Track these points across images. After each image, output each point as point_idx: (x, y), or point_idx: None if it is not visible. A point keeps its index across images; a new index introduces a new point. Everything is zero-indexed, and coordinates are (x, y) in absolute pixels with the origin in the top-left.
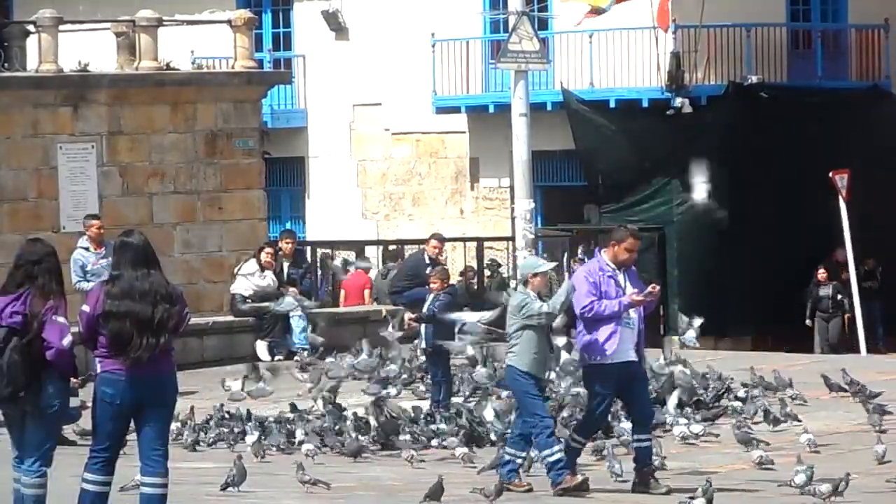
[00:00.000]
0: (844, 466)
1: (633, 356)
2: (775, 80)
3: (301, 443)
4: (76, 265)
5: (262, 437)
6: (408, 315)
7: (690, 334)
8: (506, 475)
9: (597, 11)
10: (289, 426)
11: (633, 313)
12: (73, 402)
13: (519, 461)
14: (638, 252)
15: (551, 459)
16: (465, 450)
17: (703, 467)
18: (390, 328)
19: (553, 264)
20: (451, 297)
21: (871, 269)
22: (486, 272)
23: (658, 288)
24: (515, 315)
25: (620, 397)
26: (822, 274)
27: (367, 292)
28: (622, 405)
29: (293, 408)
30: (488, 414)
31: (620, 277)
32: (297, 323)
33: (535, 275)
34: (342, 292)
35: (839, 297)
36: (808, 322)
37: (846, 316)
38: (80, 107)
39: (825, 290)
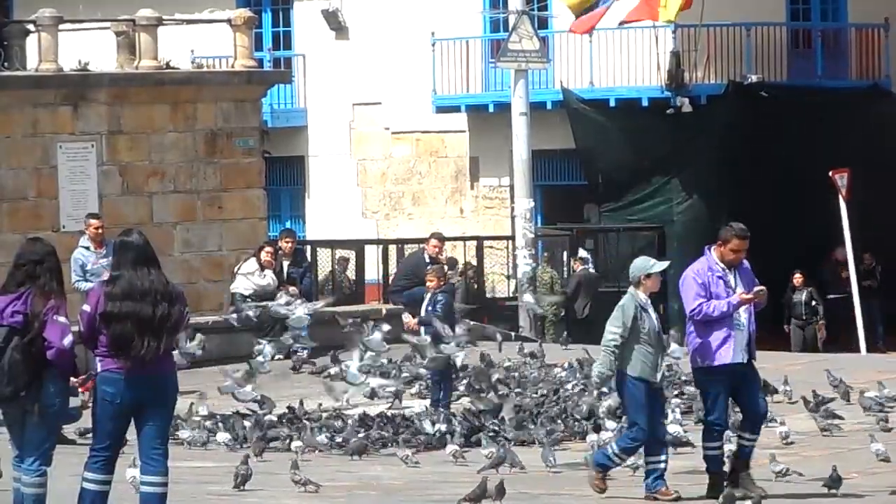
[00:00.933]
0: (845, 466)
1: (743, 357)
2: (775, 79)
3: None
4: (76, 264)
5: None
6: (408, 317)
7: (675, 348)
8: (651, 484)
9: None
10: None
11: (742, 314)
12: (74, 401)
13: (662, 466)
14: (638, 252)
15: (619, 462)
16: (456, 447)
17: (703, 467)
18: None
19: (666, 263)
20: (450, 297)
21: (870, 267)
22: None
23: (764, 288)
24: (622, 317)
25: (733, 398)
26: (797, 279)
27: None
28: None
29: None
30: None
31: (731, 277)
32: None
33: (648, 276)
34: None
35: (813, 303)
36: (785, 327)
37: (821, 322)
38: (79, 106)
39: (799, 296)
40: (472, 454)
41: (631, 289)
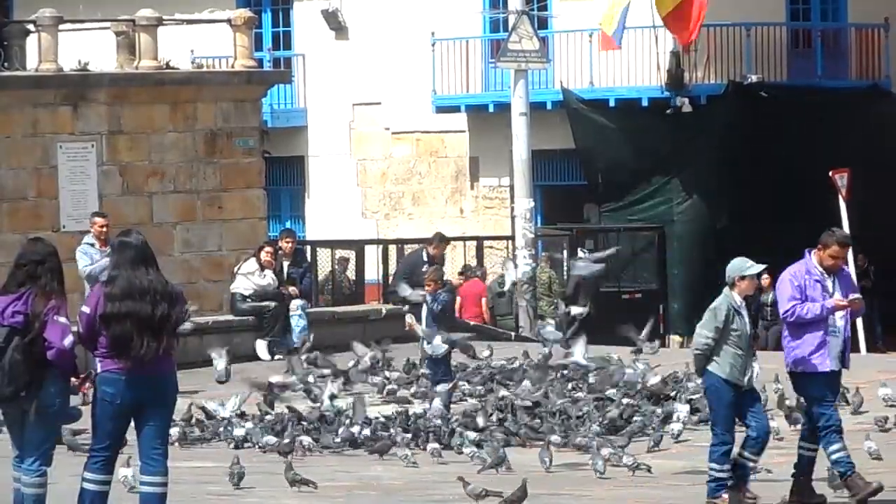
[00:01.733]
0: None
1: (837, 366)
2: (775, 79)
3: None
4: (82, 254)
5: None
6: (410, 318)
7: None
8: (735, 479)
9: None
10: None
11: (839, 320)
12: (73, 399)
13: (751, 465)
14: (638, 252)
15: (716, 475)
16: (437, 445)
17: (703, 467)
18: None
19: (761, 266)
20: (452, 296)
21: (863, 268)
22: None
23: (860, 296)
24: (714, 320)
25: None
26: (765, 280)
27: (483, 300)
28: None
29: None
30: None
31: (829, 282)
32: (297, 322)
33: (743, 278)
34: (458, 299)
35: None
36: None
37: None
38: (79, 106)
39: (766, 298)
40: (449, 454)
41: (726, 290)
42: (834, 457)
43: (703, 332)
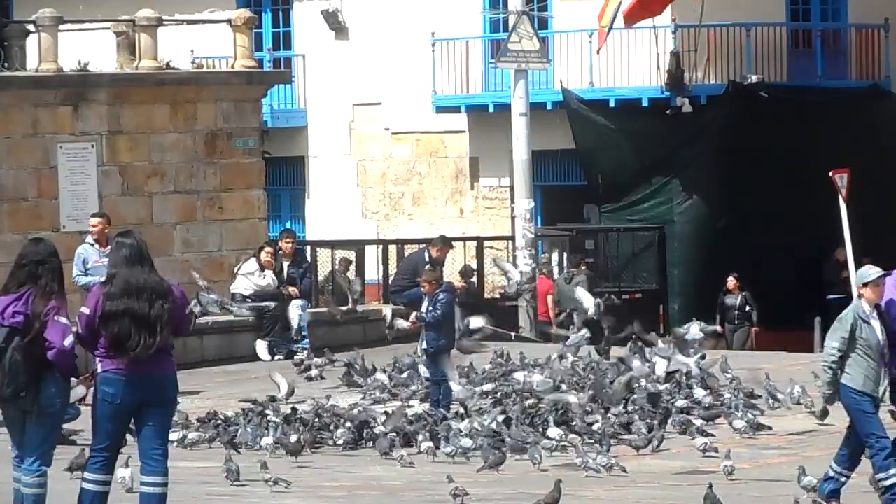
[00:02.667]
0: None
1: None
2: (775, 79)
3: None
4: (78, 259)
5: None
6: (412, 316)
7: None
8: (827, 494)
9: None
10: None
11: None
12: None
13: (843, 480)
14: (638, 252)
15: (886, 483)
16: (430, 444)
17: (703, 467)
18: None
19: (881, 272)
20: (451, 296)
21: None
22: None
23: None
24: (840, 329)
25: None
26: (731, 283)
27: (549, 298)
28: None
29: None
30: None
31: None
32: (297, 322)
33: (865, 285)
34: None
35: (747, 308)
36: (718, 329)
37: (753, 329)
38: (80, 106)
39: (732, 300)
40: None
41: (855, 299)
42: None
43: (830, 343)
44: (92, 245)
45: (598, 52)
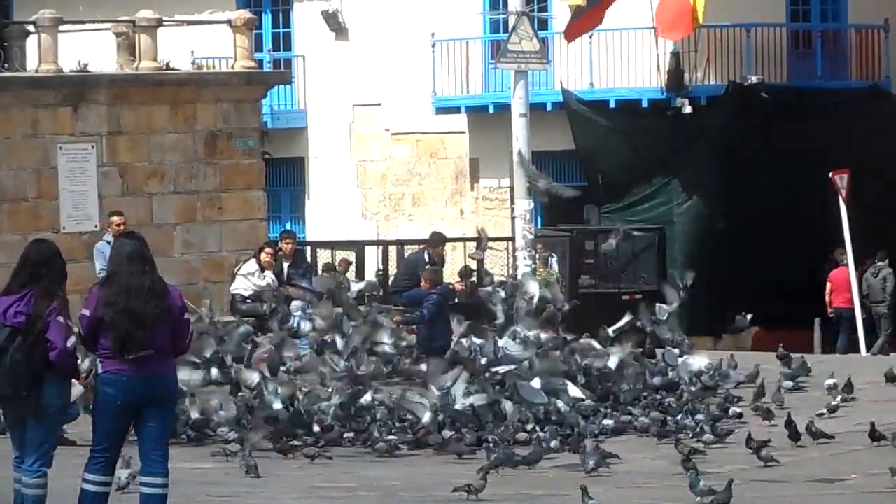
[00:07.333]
0: (844, 467)
1: None
2: (775, 80)
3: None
4: (98, 255)
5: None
6: (395, 318)
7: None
8: None
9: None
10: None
11: None
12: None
13: None
14: (638, 253)
15: None
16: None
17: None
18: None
19: None
20: (441, 297)
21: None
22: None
23: None
24: None
25: None
26: None
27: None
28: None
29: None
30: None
31: None
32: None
33: None
34: (828, 285)
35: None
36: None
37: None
38: (79, 107)
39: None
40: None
41: None
42: None
43: None
44: (109, 242)
45: (567, 41)
